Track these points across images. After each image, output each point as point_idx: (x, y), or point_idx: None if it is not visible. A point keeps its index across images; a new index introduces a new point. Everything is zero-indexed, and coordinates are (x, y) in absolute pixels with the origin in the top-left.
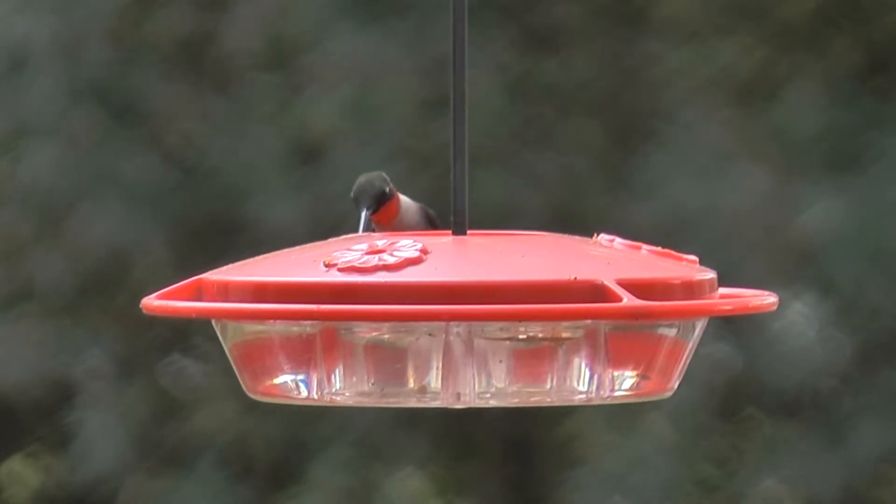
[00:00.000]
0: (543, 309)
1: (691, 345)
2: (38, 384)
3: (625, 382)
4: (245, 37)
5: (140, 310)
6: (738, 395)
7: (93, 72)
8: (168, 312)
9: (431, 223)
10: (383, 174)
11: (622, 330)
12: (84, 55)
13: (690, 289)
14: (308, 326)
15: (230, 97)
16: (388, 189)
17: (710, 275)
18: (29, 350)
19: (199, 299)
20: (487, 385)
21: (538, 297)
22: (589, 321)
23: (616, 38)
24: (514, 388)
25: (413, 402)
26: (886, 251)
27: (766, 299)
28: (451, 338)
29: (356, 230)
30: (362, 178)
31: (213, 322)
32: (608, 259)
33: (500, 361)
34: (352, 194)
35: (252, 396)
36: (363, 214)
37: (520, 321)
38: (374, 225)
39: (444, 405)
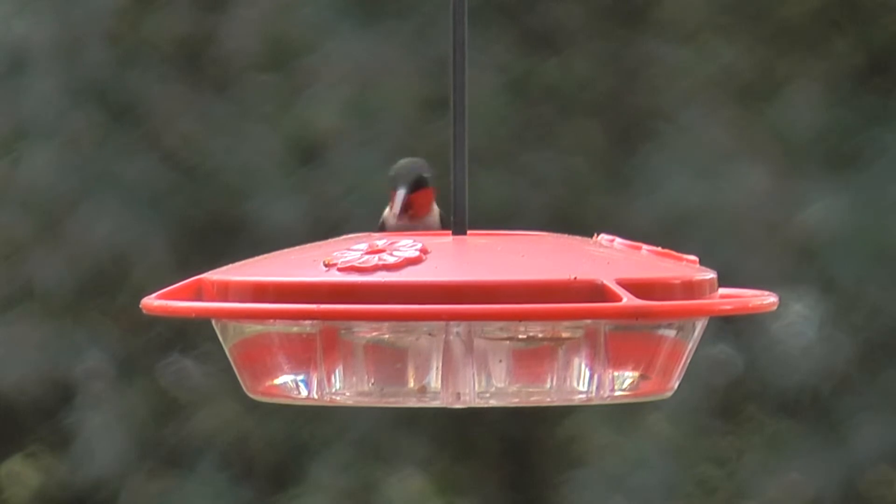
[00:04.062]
0: (543, 308)
1: (691, 345)
2: (38, 384)
3: (625, 382)
4: (245, 37)
5: (140, 310)
6: (739, 396)
7: (92, 73)
8: (168, 312)
9: (444, 224)
10: (425, 162)
11: (622, 330)
12: (83, 56)
13: (690, 289)
14: (308, 326)
15: (230, 98)
16: (427, 175)
17: (711, 275)
18: (29, 350)
19: (199, 299)
20: (487, 385)
21: (538, 296)
22: (589, 321)
23: (616, 38)
24: (514, 387)
25: (413, 402)
26: (887, 250)
27: (766, 299)
28: (451, 337)
29: (393, 209)
30: (404, 160)
31: (213, 322)
32: (608, 259)
33: (500, 361)
34: (391, 173)
35: (252, 397)
36: (401, 193)
37: (520, 321)
38: (408, 210)
39: (444, 405)
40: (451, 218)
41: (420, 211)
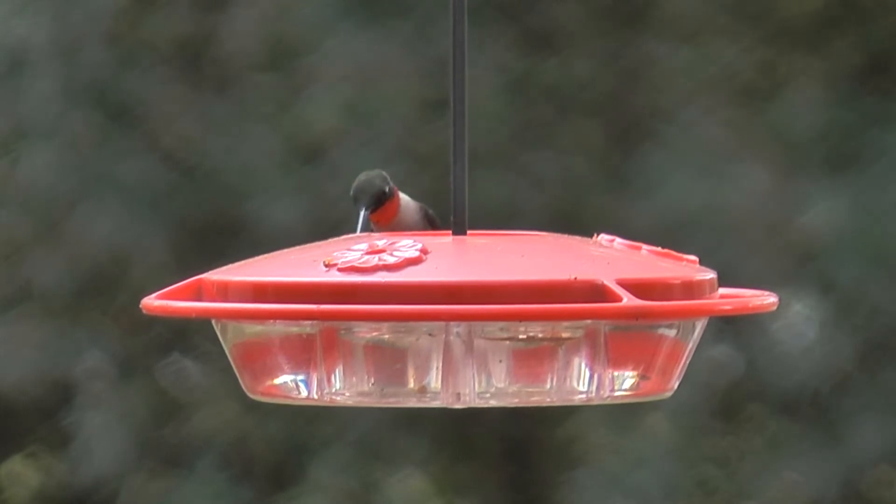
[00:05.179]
0: (543, 309)
1: (691, 345)
2: (38, 384)
3: (625, 382)
4: (244, 37)
5: (140, 310)
6: (739, 396)
7: (91, 73)
8: (168, 312)
9: (431, 223)
10: (383, 173)
11: (622, 330)
12: (82, 57)
13: (690, 289)
14: (308, 326)
15: (230, 98)
16: (387, 188)
17: (710, 275)
18: (29, 350)
19: (200, 299)
20: (487, 385)
21: (538, 297)
22: (589, 321)
23: (616, 38)
24: (515, 388)
25: (413, 403)
26: (886, 251)
27: (766, 299)
28: (451, 338)
29: (355, 230)
30: (362, 177)
31: (214, 322)
32: (608, 259)
33: (500, 361)
34: (351, 193)
35: (252, 397)
36: (362, 214)
37: (520, 321)
38: (372, 224)
39: (445, 405)
40: (451, 218)
41: (384, 221)
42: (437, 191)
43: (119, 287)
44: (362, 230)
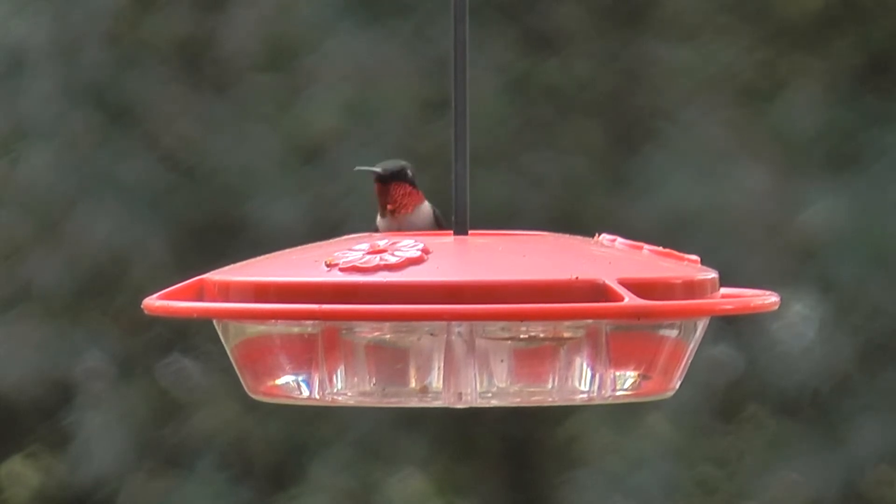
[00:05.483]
0: (545, 308)
1: (693, 345)
2: (38, 384)
3: (626, 382)
4: (244, 38)
5: (140, 310)
6: (739, 396)
7: (90, 74)
8: (170, 313)
9: (438, 224)
10: (411, 165)
11: (624, 330)
12: (82, 57)
13: (692, 288)
14: (309, 326)
15: (230, 98)
16: (409, 172)
17: (712, 274)
18: (29, 350)
19: (201, 299)
20: (489, 385)
21: (540, 296)
22: (590, 321)
23: (616, 39)
24: (516, 387)
25: (415, 402)
26: (886, 251)
27: (767, 299)
28: (453, 337)
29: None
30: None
31: (215, 322)
32: (609, 259)
33: (502, 361)
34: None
35: (253, 397)
36: (375, 167)
37: (521, 321)
38: (389, 216)
39: (446, 405)
40: (453, 218)
41: (401, 208)
42: (438, 190)
43: (119, 287)
44: (364, 170)
